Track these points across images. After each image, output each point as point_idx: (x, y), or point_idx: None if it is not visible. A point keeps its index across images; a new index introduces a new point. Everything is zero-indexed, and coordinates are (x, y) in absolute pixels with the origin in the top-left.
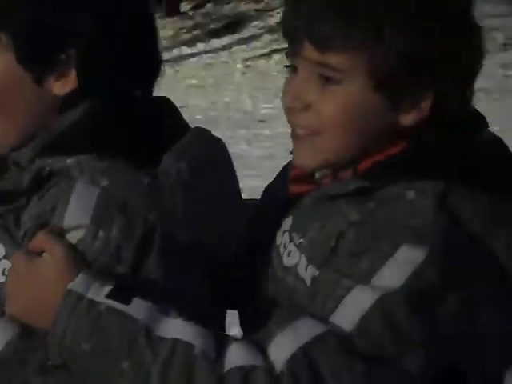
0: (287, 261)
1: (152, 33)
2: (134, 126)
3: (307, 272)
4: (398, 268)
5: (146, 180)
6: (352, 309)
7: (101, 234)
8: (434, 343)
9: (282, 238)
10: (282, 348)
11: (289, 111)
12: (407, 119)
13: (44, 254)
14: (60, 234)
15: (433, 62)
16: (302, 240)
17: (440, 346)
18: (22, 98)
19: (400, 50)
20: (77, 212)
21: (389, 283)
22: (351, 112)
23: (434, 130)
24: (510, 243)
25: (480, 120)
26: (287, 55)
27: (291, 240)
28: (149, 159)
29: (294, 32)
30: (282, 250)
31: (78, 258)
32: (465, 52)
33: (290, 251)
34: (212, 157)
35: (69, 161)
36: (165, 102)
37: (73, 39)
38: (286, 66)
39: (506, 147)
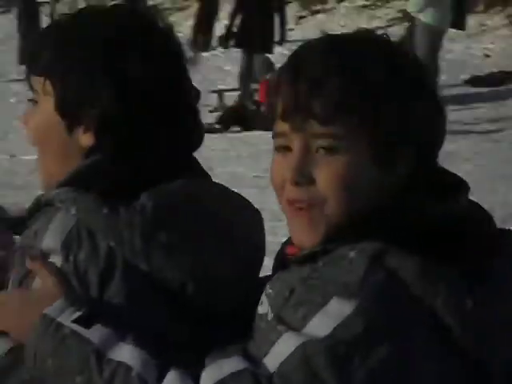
0: (260, 309)
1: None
2: (127, 170)
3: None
4: (327, 319)
5: (105, 210)
6: (276, 353)
7: (70, 258)
8: None
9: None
10: (206, 380)
11: (290, 188)
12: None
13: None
14: (44, 256)
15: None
16: (270, 291)
17: None
18: (56, 141)
19: (394, 127)
20: (51, 237)
21: (315, 332)
22: (353, 176)
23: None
24: (450, 303)
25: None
26: (274, 136)
27: (265, 290)
28: (125, 195)
29: (295, 111)
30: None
31: (62, 283)
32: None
33: (262, 301)
34: (194, 196)
35: (53, 192)
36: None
37: (97, 100)
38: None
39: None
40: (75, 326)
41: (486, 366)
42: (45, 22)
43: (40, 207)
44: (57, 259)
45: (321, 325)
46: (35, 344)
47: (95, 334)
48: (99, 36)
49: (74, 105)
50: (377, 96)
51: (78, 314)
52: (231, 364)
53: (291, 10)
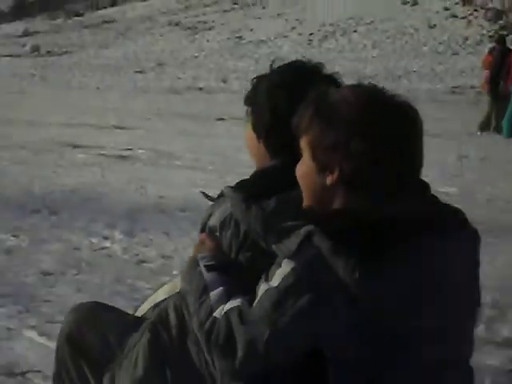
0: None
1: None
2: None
3: None
4: (279, 274)
5: (243, 206)
6: (258, 295)
7: (223, 233)
8: (274, 329)
9: None
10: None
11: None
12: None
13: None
14: (210, 230)
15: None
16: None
17: (279, 332)
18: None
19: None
20: (215, 219)
21: (272, 283)
22: (305, 179)
23: None
24: (346, 273)
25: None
26: None
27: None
28: (262, 198)
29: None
30: None
31: (216, 246)
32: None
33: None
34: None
35: (224, 188)
36: None
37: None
38: None
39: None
40: (202, 268)
41: (394, 329)
42: None
43: (219, 197)
44: (217, 233)
45: (276, 278)
46: (184, 272)
47: (210, 276)
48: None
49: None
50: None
51: (209, 262)
52: (235, 301)
53: None
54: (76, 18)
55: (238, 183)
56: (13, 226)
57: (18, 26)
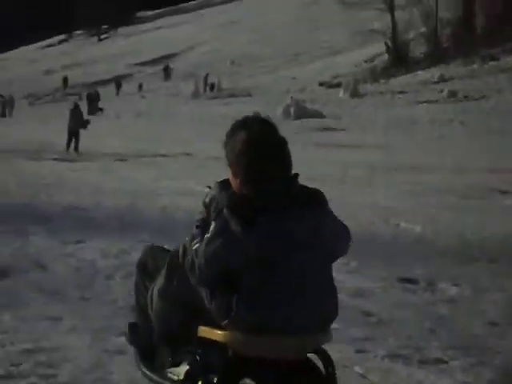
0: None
1: None
2: None
3: None
4: (210, 230)
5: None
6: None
7: (211, 209)
8: (205, 257)
9: None
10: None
11: None
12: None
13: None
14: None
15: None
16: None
17: (207, 258)
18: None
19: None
20: (207, 198)
21: (207, 235)
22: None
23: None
24: (236, 230)
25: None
26: None
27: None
28: None
29: None
30: None
31: (206, 217)
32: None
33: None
34: None
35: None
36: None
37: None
38: None
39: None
40: (194, 226)
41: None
42: None
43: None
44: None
45: (209, 232)
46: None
47: (196, 231)
48: None
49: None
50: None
51: (197, 223)
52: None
53: None
54: (492, 62)
55: (222, 181)
56: (453, 275)
57: (433, 72)
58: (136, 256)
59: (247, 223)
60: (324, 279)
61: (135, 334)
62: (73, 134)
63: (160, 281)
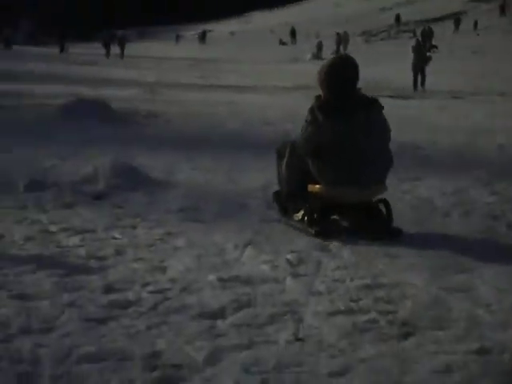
0: None
1: None
2: None
3: None
4: (306, 120)
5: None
6: None
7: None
8: (304, 138)
9: None
10: None
11: None
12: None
13: None
14: None
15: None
16: None
17: (305, 138)
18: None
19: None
20: None
21: (305, 123)
22: None
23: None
24: (319, 117)
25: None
26: None
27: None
28: None
29: None
30: None
31: None
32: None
33: None
34: None
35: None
36: None
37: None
38: None
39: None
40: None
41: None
42: None
43: None
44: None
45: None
46: None
47: (304, 124)
48: None
49: None
50: None
51: (305, 120)
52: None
53: None
54: None
55: (317, 95)
56: None
57: None
58: (474, 194)
59: (326, 116)
60: (378, 154)
61: (277, 196)
62: (418, 71)
63: (286, 158)
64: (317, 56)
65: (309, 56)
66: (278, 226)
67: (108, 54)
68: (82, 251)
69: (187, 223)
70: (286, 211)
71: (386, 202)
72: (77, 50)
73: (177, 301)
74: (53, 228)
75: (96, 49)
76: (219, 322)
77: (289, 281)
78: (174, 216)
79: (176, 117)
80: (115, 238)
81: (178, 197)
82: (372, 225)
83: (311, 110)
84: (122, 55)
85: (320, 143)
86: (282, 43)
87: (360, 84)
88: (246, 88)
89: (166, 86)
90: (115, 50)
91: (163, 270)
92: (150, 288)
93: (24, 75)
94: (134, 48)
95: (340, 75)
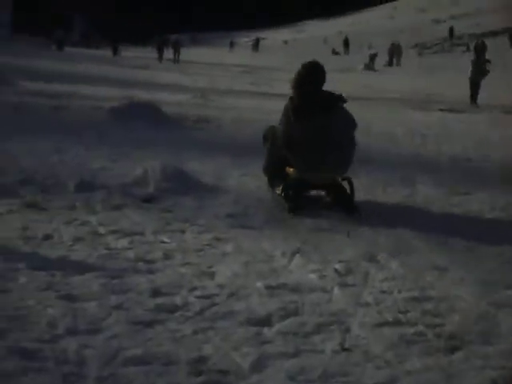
0: None
1: None
2: None
3: None
4: (281, 116)
5: None
6: None
7: None
8: (280, 131)
9: None
10: None
11: None
12: None
13: None
14: None
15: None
16: None
17: (281, 132)
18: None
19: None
20: None
21: (280, 118)
22: None
23: None
24: (291, 116)
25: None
26: None
27: None
28: None
29: None
30: None
31: None
32: None
33: None
34: None
35: None
36: None
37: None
38: None
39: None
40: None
41: None
42: None
43: None
44: None
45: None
46: None
47: (281, 118)
48: None
49: None
50: None
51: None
52: None
53: None
54: None
55: (290, 96)
56: None
57: None
58: None
59: (296, 117)
60: (341, 144)
61: (266, 172)
62: (475, 85)
63: (269, 144)
64: (369, 67)
65: (361, 66)
66: (327, 236)
67: (161, 58)
68: (131, 254)
69: (236, 229)
70: (272, 184)
71: (349, 181)
72: (129, 53)
73: (224, 306)
74: (102, 230)
75: (149, 53)
76: (266, 330)
77: (336, 290)
78: (223, 222)
79: (227, 123)
80: (164, 242)
81: (228, 202)
82: (337, 200)
83: (286, 109)
84: (175, 60)
85: (291, 137)
86: (335, 53)
87: (411, 95)
88: None
89: (218, 91)
90: (168, 54)
91: (211, 275)
92: (198, 293)
93: (76, 77)
94: (188, 53)
95: (304, 81)
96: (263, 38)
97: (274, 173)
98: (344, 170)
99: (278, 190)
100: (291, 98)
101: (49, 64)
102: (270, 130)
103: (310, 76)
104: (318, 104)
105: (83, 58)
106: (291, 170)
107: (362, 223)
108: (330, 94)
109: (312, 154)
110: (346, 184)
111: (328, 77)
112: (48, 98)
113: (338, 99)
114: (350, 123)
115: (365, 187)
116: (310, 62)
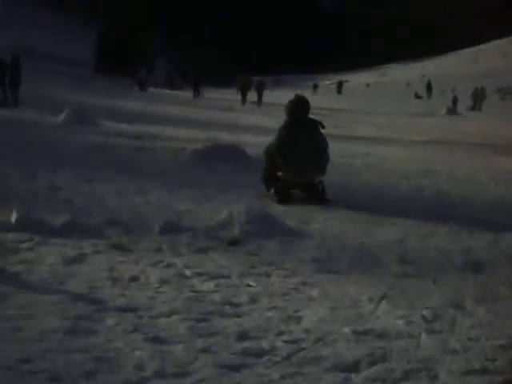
0: None
1: None
2: None
3: None
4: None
5: None
6: None
7: None
8: (275, 141)
9: None
10: None
11: None
12: None
13: None
14: None
15: None
16: None
17: (276, 142)
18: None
19: None
20: None
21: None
22: None
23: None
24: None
25: None
26: None
27: None
28: None
29: None
30: None
31: None
32: None
33: None
34: None
35: None
36: None
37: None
38: None
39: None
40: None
41: None
42: None
43: None
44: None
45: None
46: None
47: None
48: None
49: None
50: None
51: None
52: None
53: None
54: None
55: (284, 120)
56: None
57: None
58: None
59: (286, 132)
60: (317, 154)
61: (263, 180)
62: None
63: (266, 154)
64: (452, 111)
65: (444, 110)
66: (413, 282)
67: (244, 100)
68: (217, 297)
69: (321, 273)
70: (267, 187)
71: (321, 183)
72: (212, 94)
73: (311, 352)
74: (188, 272)
75: (231, 94)
76: (354, 376)
77: (424, 337)
78: (309, 265)
79: None
80: (250, 285)
81: (312, 246)
82: (312, 196)
83: (280, 128)
84: (259, 102)
85: (282, 146)
86: (418, 97)
87: (494, 140)
88: (380, 139)
89: None
90: (251, 96)
91: (298, 319)
92: (285, 337)
93: (159, 118)
94: (270, 95)
95: (295, 110)
96: (346, 81)
97: (269, 179)
98: (320, 174)
99: (272, 192)
100: (285, 121)
101: (131, 104)
102: (268, 147)
103: (299, 106)
104: (303, 124)
105: (165, 98)
106: (280, 173)
107: (448, 270)
108: (313, 120)
109: (296, 160)
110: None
111: (410, 120)
112: (131, 139)
113: (319, 124)
114: (324, 140)
115: (450, 233)
116: (299, 97)
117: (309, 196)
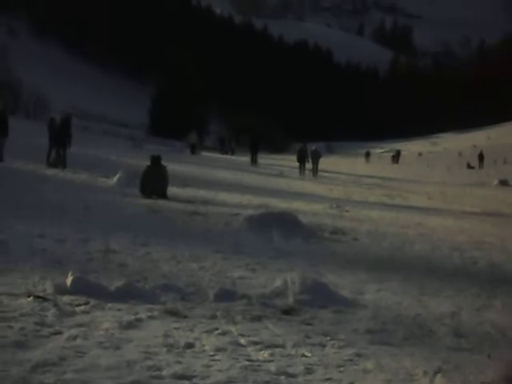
0: None
1: None
2: None
3: None
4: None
5: None
6: None
7: None
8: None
9: None
10: None
11: None
12: None
13: None
14: None
15: None
16: None
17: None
18: None
19: None
20: None
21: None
22: None
23: None
24: None
25: None
26: None
27: None
28: None
29: None
30: None
31: None
32: None
33: None
34: None
35: None
36: None
37: None
38: None
39: None
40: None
41: None
42: None
43: None
44: None
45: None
46: None
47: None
48: None
49: None
50: None
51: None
52: None
53: None
54: None
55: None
56: None
57: None
58: None
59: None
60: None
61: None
62: None
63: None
64: (504, 182)
65: (496, 182)
66: (467, 356)
67: (302, 168)
68: (272, 366)
69: (376, 345)
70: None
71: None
72: (269, 160)
73: None
74: (242, 340)
75: (288, 161)
76: None
77: None
78: (363, 337)
79: (363, 235)
80: (305, 356)
81: (366, 317)
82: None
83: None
84: (315, 171)
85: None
86: (470, 167)
87: None
88: (432, 210)
89: (353, 202)
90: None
91: None
92: None
93: (211, 183)
94: (324, 162)
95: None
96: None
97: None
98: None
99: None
100: None
101: (183, 168)
102: (146, 170)
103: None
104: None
105: (218, 163)
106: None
107: (502, 345)
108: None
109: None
110: None
111: (461, 191)
112: (184, 203)
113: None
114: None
115: (504, 307)
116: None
117: None
